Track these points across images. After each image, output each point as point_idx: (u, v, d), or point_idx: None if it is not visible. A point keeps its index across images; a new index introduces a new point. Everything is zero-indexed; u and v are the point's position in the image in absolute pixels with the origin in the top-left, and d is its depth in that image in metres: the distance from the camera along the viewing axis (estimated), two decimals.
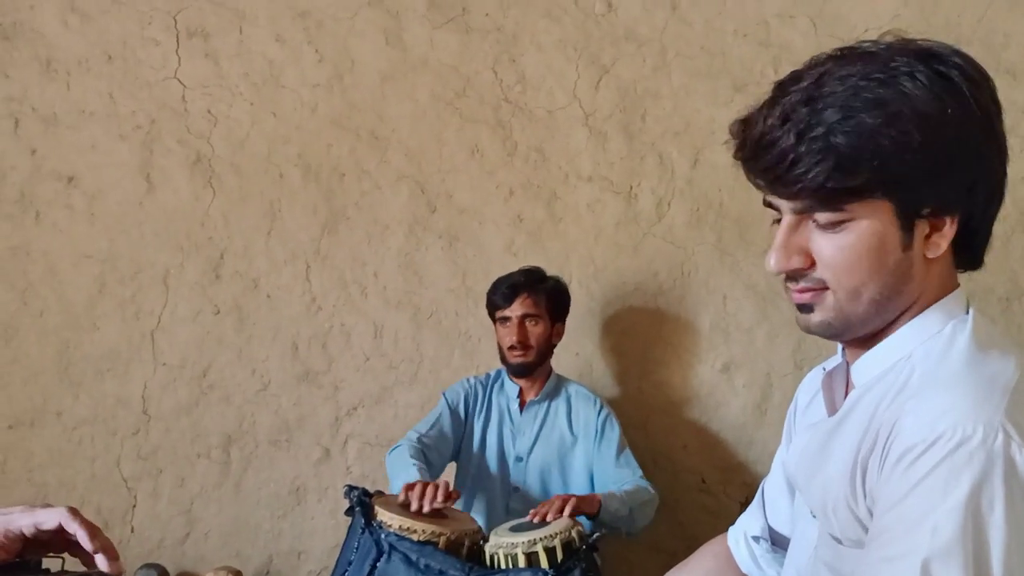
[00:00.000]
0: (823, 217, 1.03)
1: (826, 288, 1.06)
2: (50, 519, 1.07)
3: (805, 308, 1.09)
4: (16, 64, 3.12)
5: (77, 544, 1.09)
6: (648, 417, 3.16)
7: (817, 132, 0.99)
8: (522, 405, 2.88)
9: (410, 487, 2.33)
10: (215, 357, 3.14)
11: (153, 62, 3.16)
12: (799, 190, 1.02)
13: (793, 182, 1.02)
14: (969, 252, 1.09)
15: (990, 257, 1.12)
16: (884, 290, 1.05)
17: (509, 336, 2.80)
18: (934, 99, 0.98)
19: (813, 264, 1.06)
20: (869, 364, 1.11)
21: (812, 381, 1.32)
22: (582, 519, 2.48)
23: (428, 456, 2.65)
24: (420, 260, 3.18)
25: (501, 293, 2.81)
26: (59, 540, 1.09)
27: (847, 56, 1.03)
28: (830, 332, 1.10)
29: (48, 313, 3.09)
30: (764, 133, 1.04)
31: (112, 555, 1.08)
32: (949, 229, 1.03)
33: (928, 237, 1.04)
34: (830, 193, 1.01)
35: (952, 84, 0.99)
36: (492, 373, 2.97)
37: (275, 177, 3.16)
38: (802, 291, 1.08)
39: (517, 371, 2.85)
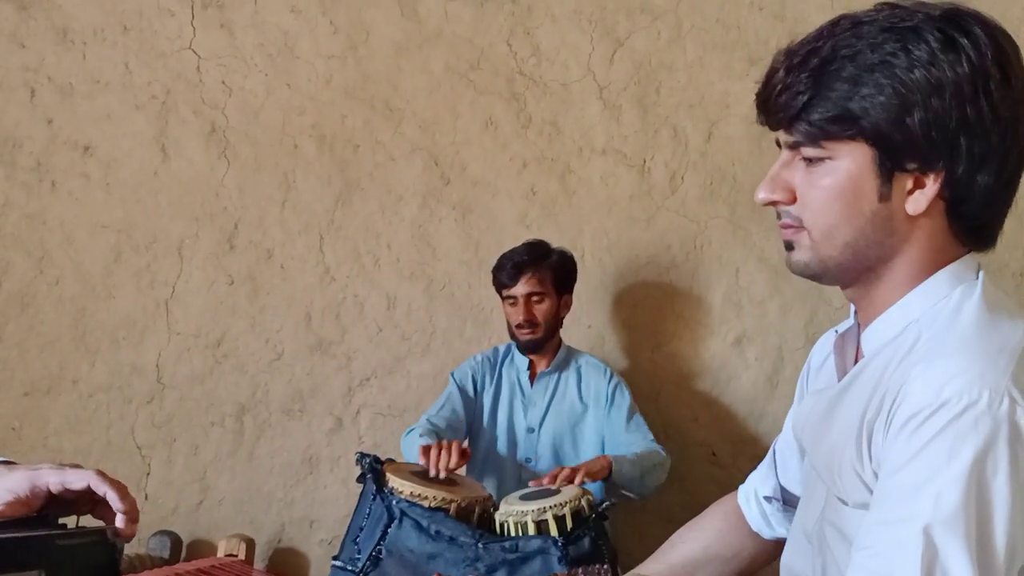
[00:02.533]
0: (807, 152, 1.07)
1: (803, 227, 1.10)
2: (79, 480, 1.08)
3: (788, 246, 1.14)
4: (32, 34, 3.13)
5: (100, 507, 1.10)
6: (660, 389, 3.17)
7: (811, 64, 1.03)
8: (532, 377, 2.89)
9: (426, 450, 2.37)
10: (229, 326, 3.16)
11: (168, 33, 3.17)
12: (780, 119, 1.07)
13: (777, 110, 1.07)
14: (962, 221, 1.07)
15: (1004, 232, 1.11)
16: (860, 237, 1.07)
17: (516, 315, 2.81)
18: (930, 60, 0.99)
19: (795, 201, 1.10)
20: (878, 331, 1.11)
21: (825, 343, 1.32)
22: (594, 487, 2.50)
23: (442, 437, 2.67)
24: (433, 232, 3.18)
25: (506, 272, 2.80)
26: (83, 501, 1.10)
27: (880, 9, 1.05)
28: (809, 273, 1.13)
29: (64, 281, 3.12)
30: (770, 70, 1.09)
31: (132, 518, 1.09)
32: (931, 188, 1.03)
33: (911, 193, 1.05)
34: (811, 127, 1.04)
35: (955, 48, 0.99)
36: (501, 347, 2.98)
37: (289, 148, 3.17)
38: (784, 227, 1.13)
39: (527, 348, 2.86)
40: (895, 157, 1.03)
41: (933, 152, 1.02)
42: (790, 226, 1.12)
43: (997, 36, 1.02)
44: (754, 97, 1.12)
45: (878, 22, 1.02)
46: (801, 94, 1.04)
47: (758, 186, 1.13)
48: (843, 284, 1.14)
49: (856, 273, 1.11)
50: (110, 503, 1.08)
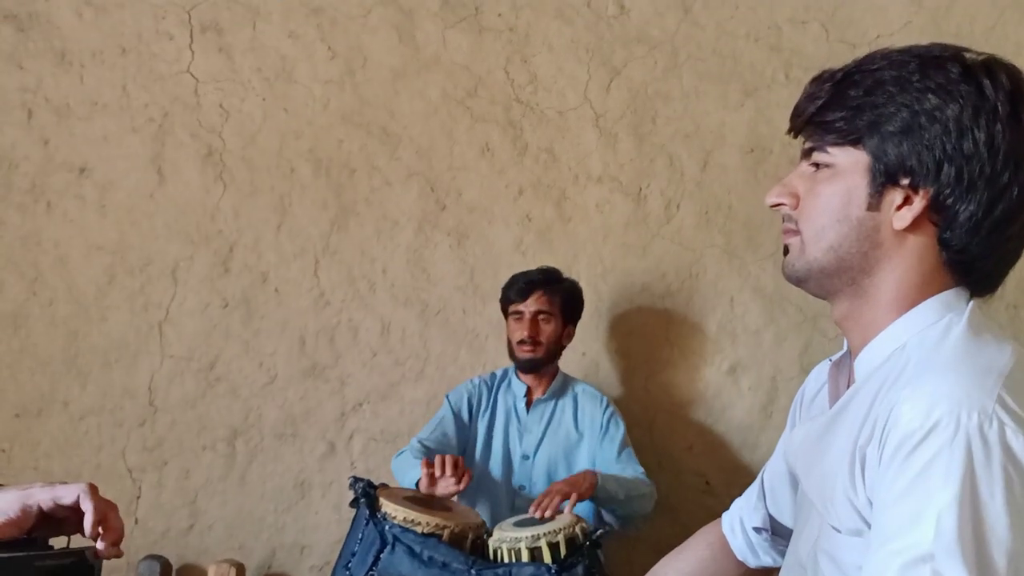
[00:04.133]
0: (816, 157, 1.12)
1: (799, 231, 1.14)
2: (69, 494, 1.07)
3: (784, 250, 1.18)
4: (31, 55, 3.13)
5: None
6: (653, 418, 3.16)
7: (837, 77, 1.10)
8: (529, 404, 2.88)
9: (429, 463, 2.38)
10: (222, 350, 3.14)
11: (167, 56, 3.17)
12: (798, 122, 1.14)
13: (797, 114, 1.14)
14: (950, 251, 1.07)
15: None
16: (844, 242, 1.10)
17: (520, 331, 2.81)
18: (942, 86, 1.03)
19: (798, 206, 1.15)
20: (869, 357, 1.12)
21: (820, 373, 1.33)
22: (585, 512, 2.50)
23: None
24: (428, 257, 3.18)
25: (517, 288, 2.83)
26: (73, 520, 1.09)
27: (925, 45, 1.10)
28: (796, 276, 1.16)
29: (57, 303, 3.10)
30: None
31: (113, 539, 1.08)
32: (917, 205, 1.05)
33: (899, 208, 1.07)
34: (821, 128, 1.11)
35: (970, 82, 1.03)
36: (498, 372, 2.97)
37: (286, 172, 3.17)
38: (784, 231, 1.18)
39: (525, 366, 2.85)
40: (889, 169, 1.06)
41: (923, 171, 1.05)
42: (788, 230, 1.16)
43: (1021, 81, 1.04)
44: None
45: (911, 51, 1.07)
46: (819, 99, 1.11)
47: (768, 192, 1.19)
48: (827, 292, 1.16)
49: (839, 282, 1.13)
50: (84, 524, 1.08)
